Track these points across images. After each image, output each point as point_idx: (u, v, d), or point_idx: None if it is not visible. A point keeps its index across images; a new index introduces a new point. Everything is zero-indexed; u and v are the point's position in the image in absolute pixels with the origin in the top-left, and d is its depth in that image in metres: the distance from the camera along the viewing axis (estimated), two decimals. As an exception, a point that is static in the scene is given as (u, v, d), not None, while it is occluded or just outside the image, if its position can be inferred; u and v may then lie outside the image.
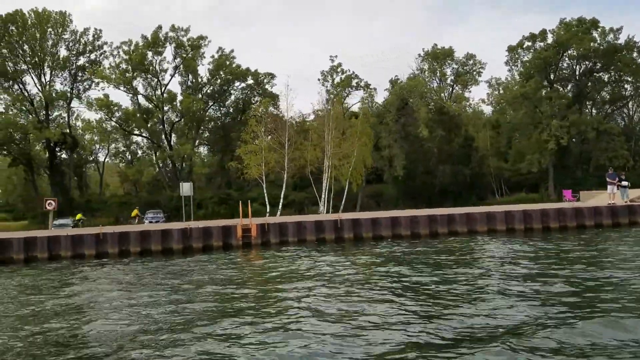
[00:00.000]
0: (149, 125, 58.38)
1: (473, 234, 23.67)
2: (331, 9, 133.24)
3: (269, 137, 44.36)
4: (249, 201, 25.11)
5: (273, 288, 12.45)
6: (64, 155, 61.16)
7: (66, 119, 61.08)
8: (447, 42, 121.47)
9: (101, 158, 75.38)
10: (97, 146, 67.39)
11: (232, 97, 61.09)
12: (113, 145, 72.57)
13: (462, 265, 14.44)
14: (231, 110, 61.32)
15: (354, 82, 58.35)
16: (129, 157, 74.05)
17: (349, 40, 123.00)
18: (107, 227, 26.73)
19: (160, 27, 56.44)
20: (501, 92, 79.01)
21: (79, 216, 39.68)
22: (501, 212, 24.65)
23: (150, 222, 45.51)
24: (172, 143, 61.19)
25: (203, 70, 59.73)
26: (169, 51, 58.94)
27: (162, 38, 56.69)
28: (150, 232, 23.63)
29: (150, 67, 57.47)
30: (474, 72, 69.49)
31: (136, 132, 60.68)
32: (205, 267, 17.48)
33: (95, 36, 61.48)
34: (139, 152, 73.55)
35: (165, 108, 59.00)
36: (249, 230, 23.76)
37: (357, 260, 17.01)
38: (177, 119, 60.01)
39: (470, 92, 69.44)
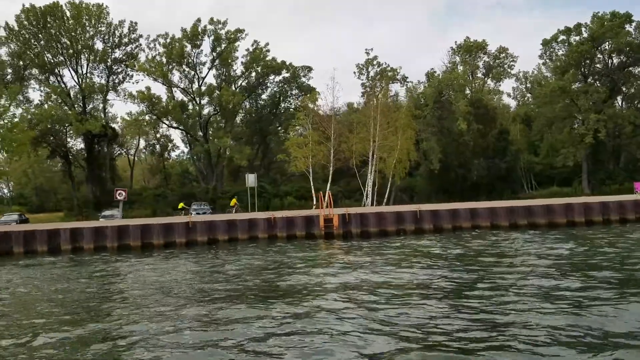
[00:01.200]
0: (187, 118, 58.71)
1: (553, 227, 23.99)
2: (332, 12, 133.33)
3: (315, 130, 44.55)
4: (328, 192, 25.34)
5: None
6: (99, 148, 61.56)
7: (101, 111, 61.41)
8: (446, 43, 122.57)
9: (131, 151, 76.08)
10: (129, 138, 67.77)
11: (268, 90, 61.27)
12: (142, 138, 73.17)
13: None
14: (267, 103, 61.52)
15: (390, 75, 58.21)
16: (159, 149, 74.53)
17: (349, 43, 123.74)
18: (195, 217, 27.14)
19: (199, 20, 56.74)
20: (528, 86, 79.13)
21: (233, 202, 40.45)
22: (580, 205, 24.90)
23: (198, 213, 46.05)
24: (207, 136, 61.48)
25: (238, 63, 59.88)
26: (206, 44, 59.19)
27: (201, 31, 56.86)
28: (237, 221, 24.04)
29: (188, 60, 57.69)
30: (505, 66, 69.43)
31: (174, 125, 60.95)
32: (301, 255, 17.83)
33: (131, 29, 61.78)
34: (169, 145, 74.11)
35: (203, 101, 59.31)
36: (330, 221, 24.13)
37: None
38: (213, 112, 60.27)
39: (500, 85, 69.29)
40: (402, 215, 24.53)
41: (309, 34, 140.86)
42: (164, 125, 64.80)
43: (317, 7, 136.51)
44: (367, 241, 21.71)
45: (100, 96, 61.11)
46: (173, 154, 77.08)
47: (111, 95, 61.72)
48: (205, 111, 60.67)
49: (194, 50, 57.39)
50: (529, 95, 78.79)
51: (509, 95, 69.90)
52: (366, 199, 44.43)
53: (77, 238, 22.73)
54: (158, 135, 72.12)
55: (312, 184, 45.76)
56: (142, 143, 74.77)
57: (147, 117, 57.06)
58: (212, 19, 56.75)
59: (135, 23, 61.70)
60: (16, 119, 31.41)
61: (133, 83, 57.94)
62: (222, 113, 58.47)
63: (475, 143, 59.55)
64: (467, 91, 57.99)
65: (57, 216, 59.70)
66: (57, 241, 22.69)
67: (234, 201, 40.73)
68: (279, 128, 62.17)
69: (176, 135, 77.81)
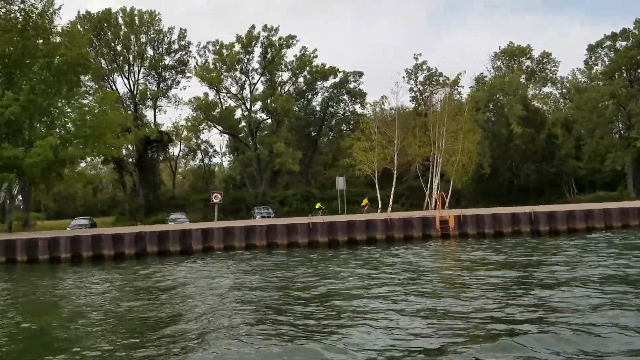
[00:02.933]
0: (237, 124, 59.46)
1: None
2: (331, 11, 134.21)
3: (380, 134, 45.03)
4: (442, 193, 25.69)
5: None
6: (152, 153, 62.24)
7: (152, 117, 62.26)
8: (447, 44, 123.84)
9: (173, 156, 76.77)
10: (178, 144, 68.49)
11: (318, 96, 61.93)
12: (183, 143, 73.88)
13: None
14: (316, 108, 62.20)
15: (440, 80, 58.83)
16: (201, 155, 75.23)
17: (348, 42, 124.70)
18: (316, 218, 27.57)
19: (253, 27, 57.49)
20: (563, 90, 79.31)
21: (318, 205, 41.04)
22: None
23: (263, 217, 46.51)
24: (255, 141, 62.16)
25: (287, 68, 60.48)
26: (256, 50, 59.91)
27: (254, 37, 57.64)
28: (356, 222, 24.43)
29: (241, 66, 58.45)
30: (548, 71, 69.85)
31: (226, 130, 61.64)
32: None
33: (181, 35, 62.67)
34: (210, 150, 74.77)
35: (254, 107, 60.05)
36: (446, 222, 24.48)
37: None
38: (265, 118, 60.92)
39: (542, 90, 69.61)
40: (517, 217, 24.84)
41: (308, 34, 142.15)
42: (205, 131, 65.49)
43: (315, 7, 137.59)
44: (498, 241, 22.01)
45: (151, 102, 62.00)
46: (213, 160, 77.93)
47: (161, 102, 62.67)
48: (255, 117, 61.35)
49: (246, 57, 58.16)
50: (561, 100, 78.94)
51: (544, 99, 69.93)
52: (432, 203, 44.67)
53: (208, 238, 23.33)
54: (199, 141, 72.85)
55: (377, 187, 46.13)
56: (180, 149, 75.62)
57: (203, 124, 57.69)
58: (265, 25, 57.68)
59: (185, 30, 62.68)
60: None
61: (181, 89, 58.69)
62: (274, 118, 59.09)
63: (526, 147, 59.87)
64: (521, 94, 58.18)
65: (104, 222, 60.16)
66: (188, 242, 23.25)
67: (365, 201, 41.15)
68: (330, 132, 62.70)
69: (216, 141, 78.63)
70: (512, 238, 23.40)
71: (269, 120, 61.50)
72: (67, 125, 29.90)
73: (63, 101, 29.90)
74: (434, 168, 45.26)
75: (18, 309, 12.06)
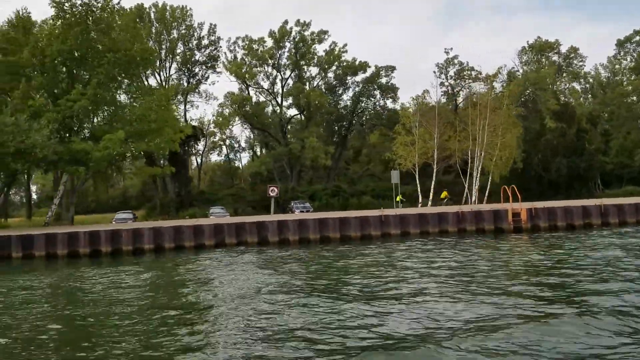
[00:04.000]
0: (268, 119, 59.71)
1: None
2: (336, 11, 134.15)
3: (420, 128, 45.23)
4: (513, 186, 25.88)
5: None
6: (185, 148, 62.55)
7: (182, 113, 62.51)
8: (447, 45, 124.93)
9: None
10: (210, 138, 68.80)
11: (349, 91, 62.09)
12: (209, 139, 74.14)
13: None
14: (347, 102, 62.43)
15: (472, 74, 58.81)
16: (226, 150, 75.53)
17: (354, 42, 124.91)
18: (387, 210, 27.84)
19: (286, 22, 57.67)
20: (586, 86, 79.13)
21: (399, 198, 41.35)
22: None
23: (302, 211, 46.75)
24: (286, 136, 62.43)
25: (318, 63, 60.58)
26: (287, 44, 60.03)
27: (286, 32, 57.80)
28: (428, 215, 24.68)
29: (273, 61, 58.65)
30: (575, 66, 69.71)
31: (258, 126, 61.89)
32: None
33: (210, 31, 62.86)
34: (235, 145, 75.03)
35: (285, 102, 60.27)
36: (518, 215, 24.68)
37: None
38: (297, 113, 61.16)
39: (570, 84, 69.43)
40: (588, 210, 25.04)
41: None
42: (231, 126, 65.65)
43: (321, 6, 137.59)
44: (575, 234, 22.21)
45: (182, 98, 62.26)
46: (238, 155, 78.15)
47: (192, 97, 62.95)
48: (286, 112, 61.69)
49: (279, 52, 58.35)
50: (582, 95, 78.73)
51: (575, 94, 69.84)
52: (474, 198, 44.93)
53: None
54: (224, 136, 73.12)
55: (417, 182, 46.33)
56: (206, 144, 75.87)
57: (235, 119, 57.96)
58: (298, 20, 57.85)
59: (215, 25, 62.87)
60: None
61: (210, 84, 59.01)
62: (306, 113, 59.30)
63: (557, 142, 59.93)
64: (553, 89, 58.23)
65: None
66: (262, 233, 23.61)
67: (444, 193, 41.38)
68: (363, 127, 62.89)
69: (241, 136, 78.87)
70: (584, 230, 23.59)
71: (299, 116, 61.71)
72: (132, 120, 30.09)
73: (126, 95, 30.21)
74: (475, 163, 45.45)
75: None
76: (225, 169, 74.63)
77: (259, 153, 75.13)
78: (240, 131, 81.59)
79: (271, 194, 37.11)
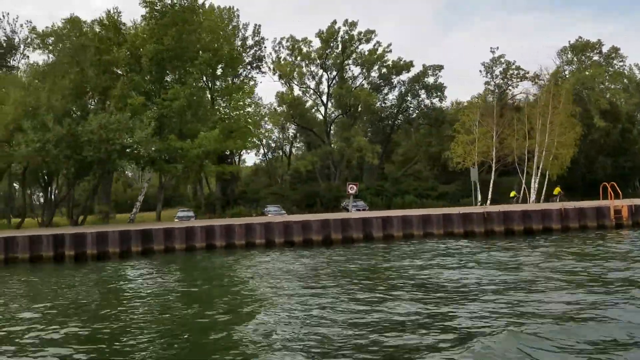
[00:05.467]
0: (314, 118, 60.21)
1: None
2: (337, 10, 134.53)
3: (480, 127, 45.54)
4: (613, 183, 26.14)
5: None
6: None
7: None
8: (449, 45, 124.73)
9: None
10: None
11: (395, 90, 62.45)
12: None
13: None
14: (394, 102, 62.76)
15: (517, 73, 59.02)
16: (263, 150, 75.96)
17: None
18: (490, 207, 28.17)
19: (335, 22, 58.08)
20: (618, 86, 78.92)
21: (513, 193, 41.38)
22: None
23: (358, 210, 47.12)
24: (330, 135, 62.84)
25: (363, 62, 60.94)
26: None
27: (335, 32, 58.25)
28: (531, 212, 24.98)
29: (321, 61, 59.10)
30: (616, 66, 69.64)
31: (305, 125, 62.38)
32: None
33: (255, 32, 63.35)
34: (272, 144, 75.41)
35: (331, 101, 60.63)
36: (619, 212, 24.94)
37: None
38: (343, 112, 61.52)
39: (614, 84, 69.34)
40: (689, 207, 25.28)
41: (313, 34, 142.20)
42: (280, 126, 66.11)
43: (321, 6, 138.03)
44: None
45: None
46: (275, 154, 78.52)
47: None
48: (331, 111, 62.08)
49: (327, 52, 58.77)
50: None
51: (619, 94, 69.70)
52: (533, 196, 45.18)
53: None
54: (260, 136, 73.55)
55: (477, 180, 46.54)
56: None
57: (282, 118, 58.48)
58: (346, 20, 58.25)
59: (260, 26, 63.33)
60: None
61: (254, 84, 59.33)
62: (353, 113, 59.72)
63: (603, 141, 60.04)
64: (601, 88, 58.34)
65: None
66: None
67: (557, 189, 41.58)
68: (411, 126, 63.19)
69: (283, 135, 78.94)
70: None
71: (342, 115, 62.13)
72: (224, 118, 30.62)
73: (219, 95, 30.72)
74: (534, 161, 45.70)
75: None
76: (264, 168, 75.09)
77: (294, 151, 75.69)
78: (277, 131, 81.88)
79: (350, 192, 37.53)
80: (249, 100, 33.42)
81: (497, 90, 60.73)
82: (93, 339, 8.74)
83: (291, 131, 66.98)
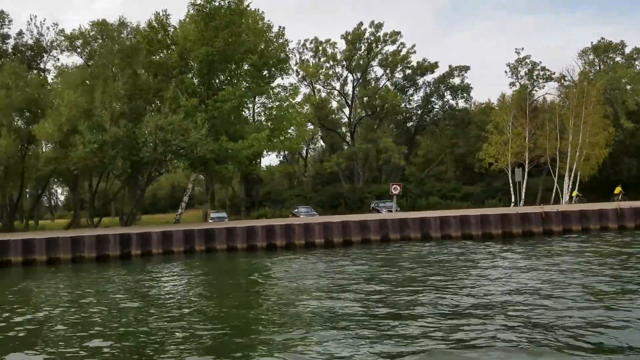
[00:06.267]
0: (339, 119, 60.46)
1: None
2: (336, 11, 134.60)
3: (513, 127, 45.64)
4: None
5: None
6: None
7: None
8: (451, 45, 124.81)
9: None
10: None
11: (420, 91, 62.62)
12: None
13: None
14: (420, 102, 62.91)
15: (543, 73, 59.07)
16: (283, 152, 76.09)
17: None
18: (547, 207, 28.29)
19: (361, 24, 58.32)
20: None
21: (574, 193, 41.52)
22: None
23: (389, 211, 47.21)
24: (354, 137, 63.02)
25: (389, 63, 61.14)
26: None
27: (361, 34, 58.51)
28: (589, 212, 25.10)
29: (347, 62, 59.34)
30: (638, 67, 69.62)
31: (329, 127, 62.61)
32: None
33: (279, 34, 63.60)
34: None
35: (356, 102, 60.81)
36: (676, 211, 25.02)
37: None
38: (369, 113, 61.71)
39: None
40: None
41: (313, 34, 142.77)
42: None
43: (320, 6, 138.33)
44: None
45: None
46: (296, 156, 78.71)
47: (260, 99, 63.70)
48: (357, 112, 62.27)
49: (353, 53, 59.02)
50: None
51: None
52: (567, 197, 45.22)
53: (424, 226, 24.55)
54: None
55: (510, 182, 46.64)
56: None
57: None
58: (372, 22, 58.49)
59: (284, 28, 63.56)
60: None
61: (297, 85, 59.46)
62: (378, 114, 59.92)
63: (629, 142, 60.02)
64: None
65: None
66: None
67: (618, 189, 41.62)
68: (436, 127, 63.26)
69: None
70: None
71: (367, 116, 62.34)
72: (270, 119, 30.85)
73: (263, 96, 30.95)
74: (566, 162, 45.76)
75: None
76: (281, 170, 75.31)
77: (311, 153, 75.89)
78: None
79: (393, 192, 37.71)
80: (292, 100, 33.43)
81: (528, 90, 60.68)
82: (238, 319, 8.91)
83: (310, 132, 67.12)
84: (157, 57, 29.47)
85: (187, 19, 30.63)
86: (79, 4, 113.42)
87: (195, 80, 29.62)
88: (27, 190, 32.36)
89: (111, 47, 30.19)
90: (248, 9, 30.93)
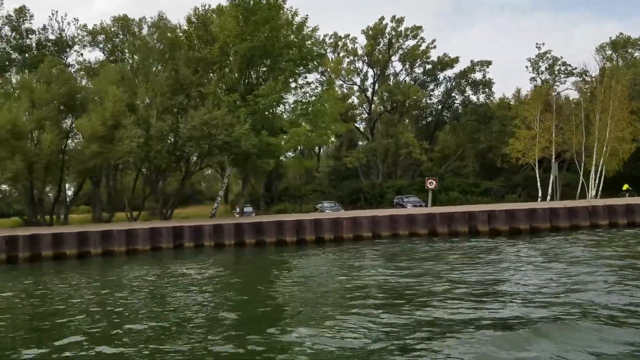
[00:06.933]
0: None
1: None
2: (337, 10, 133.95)
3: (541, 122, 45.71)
4: None
5: None
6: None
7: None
8: (453, 44, 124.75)
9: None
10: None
11: (441, 86, 62.63)
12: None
13: None
14: (440, 97, 63.01)
15: (565, 69, 59.01)
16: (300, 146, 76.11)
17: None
18: (594, 201, 28.39)
19: (382, 18, 58.32)
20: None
21: (625, 187, 41.62)
22: None
23: (415, 206, 47.29)
24: (374, 132, 63.06)
25: (409, 58, 61.13)
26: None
27: (383, 28, 58.50)
28: (634, 206, 25.19)
29: (369, 58, 59.38)
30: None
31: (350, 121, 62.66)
32: None
33: (315, 29, 63.56)
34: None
35: (376, 97, 60.88)
36: None
37: None
38: (390, 108, 61.78)
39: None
40: None
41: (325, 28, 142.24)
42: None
43: (321, 5, 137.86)
44: None
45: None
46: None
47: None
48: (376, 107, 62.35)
49: (374, 49, 59.02)
50: None
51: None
52: (593, 192, 45.25)
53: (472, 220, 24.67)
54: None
55: (537, 176, 46.71)
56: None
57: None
58: (393, 17, 58.47)
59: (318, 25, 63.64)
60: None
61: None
62: (400, 109, 59.97)
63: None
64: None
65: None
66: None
67: (626, 186, 41.85)
68: (458, 122, 63.25)
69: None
70: None
71: (390, 112, 62.38)
72: (304, 114, 30.99)
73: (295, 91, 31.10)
74: (591, 157, 45.76)
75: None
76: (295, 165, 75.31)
77: (322, 149, 75.79)
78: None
79: (429, 187, 37.84)
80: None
81: (552, 85, 60.54)
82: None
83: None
84: (197, 52, 29.54)
85: (224, 14, 30.66)
86: (78, 2, 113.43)
87: (234, 75, 29.70)
88: (66, 185, 32.59)
89: (152, 43, 30.31)
90: (285, 4, 30.92)
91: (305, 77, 32.10)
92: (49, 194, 32.61)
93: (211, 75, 29.71)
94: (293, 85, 31.58)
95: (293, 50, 29.44)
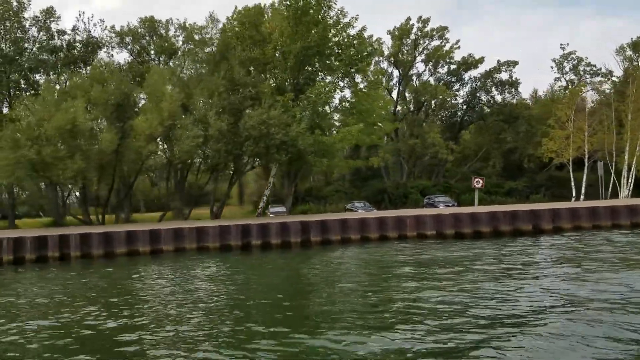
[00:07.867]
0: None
1: None
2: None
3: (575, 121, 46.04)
4: None
5: None
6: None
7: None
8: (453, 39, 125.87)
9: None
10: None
11: (466, 86, 62.92)
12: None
13: None
14: (466, 97, 63.31)
15: (590, 69, 59.37)
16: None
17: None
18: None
19: (409, 19, 58.66)
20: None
21: None
22: None
23: (447, 206, 47.56)
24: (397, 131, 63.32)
25: (434, 59, 61.46)
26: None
27: (409, 29, 58.84)
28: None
29: (395, 58, 59.74)
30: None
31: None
32: None
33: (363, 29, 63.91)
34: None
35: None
36: None
37: None
38: (417, 108, 62.12)
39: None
40: None
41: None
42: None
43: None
44: None
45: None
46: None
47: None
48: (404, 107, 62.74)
49: (401, 49, 59.37)
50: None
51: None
52: (626, 191, 45.55)
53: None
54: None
55: (571, 177, 46.99)
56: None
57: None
58: (419, 17, 58.83)
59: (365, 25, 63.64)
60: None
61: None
62: (426, 109, 60.32)
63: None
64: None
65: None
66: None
67: None
68: (484, 122, 63.52)
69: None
70: None
71: (416, 112, 62.69)
72: (352, 113, 31.38)
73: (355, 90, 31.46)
74: (622, 157, 46.03)
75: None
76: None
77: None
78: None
79: (476, 186, 38.22)
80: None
81: (583, 86, 60.74)
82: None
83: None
84: (251, 52, 29.93)
85: (275, 14, 31.03)
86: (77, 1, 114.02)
87: (286, 75, 30.08)
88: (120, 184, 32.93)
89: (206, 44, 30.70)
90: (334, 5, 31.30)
91: (354, 77, 32.43)
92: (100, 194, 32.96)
93: (262, 75, 30.08)
94: (341, 84, 31.78)
95: (347, 50, 29.79)
